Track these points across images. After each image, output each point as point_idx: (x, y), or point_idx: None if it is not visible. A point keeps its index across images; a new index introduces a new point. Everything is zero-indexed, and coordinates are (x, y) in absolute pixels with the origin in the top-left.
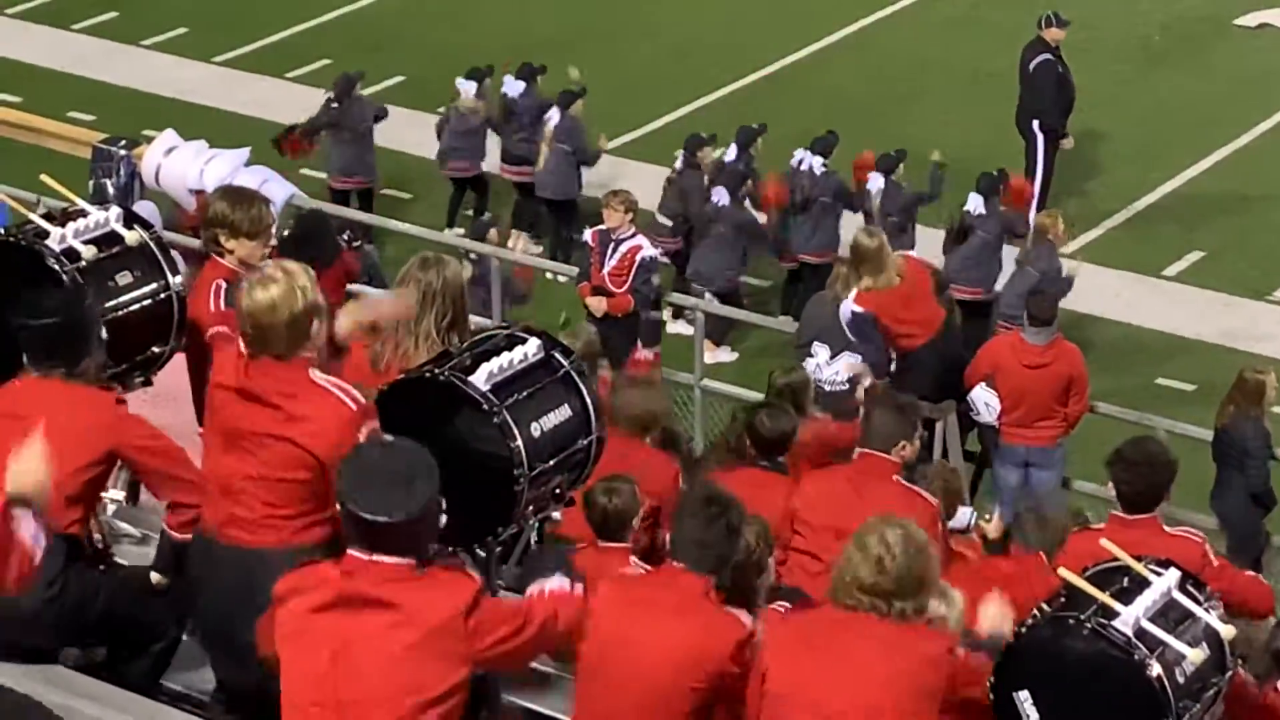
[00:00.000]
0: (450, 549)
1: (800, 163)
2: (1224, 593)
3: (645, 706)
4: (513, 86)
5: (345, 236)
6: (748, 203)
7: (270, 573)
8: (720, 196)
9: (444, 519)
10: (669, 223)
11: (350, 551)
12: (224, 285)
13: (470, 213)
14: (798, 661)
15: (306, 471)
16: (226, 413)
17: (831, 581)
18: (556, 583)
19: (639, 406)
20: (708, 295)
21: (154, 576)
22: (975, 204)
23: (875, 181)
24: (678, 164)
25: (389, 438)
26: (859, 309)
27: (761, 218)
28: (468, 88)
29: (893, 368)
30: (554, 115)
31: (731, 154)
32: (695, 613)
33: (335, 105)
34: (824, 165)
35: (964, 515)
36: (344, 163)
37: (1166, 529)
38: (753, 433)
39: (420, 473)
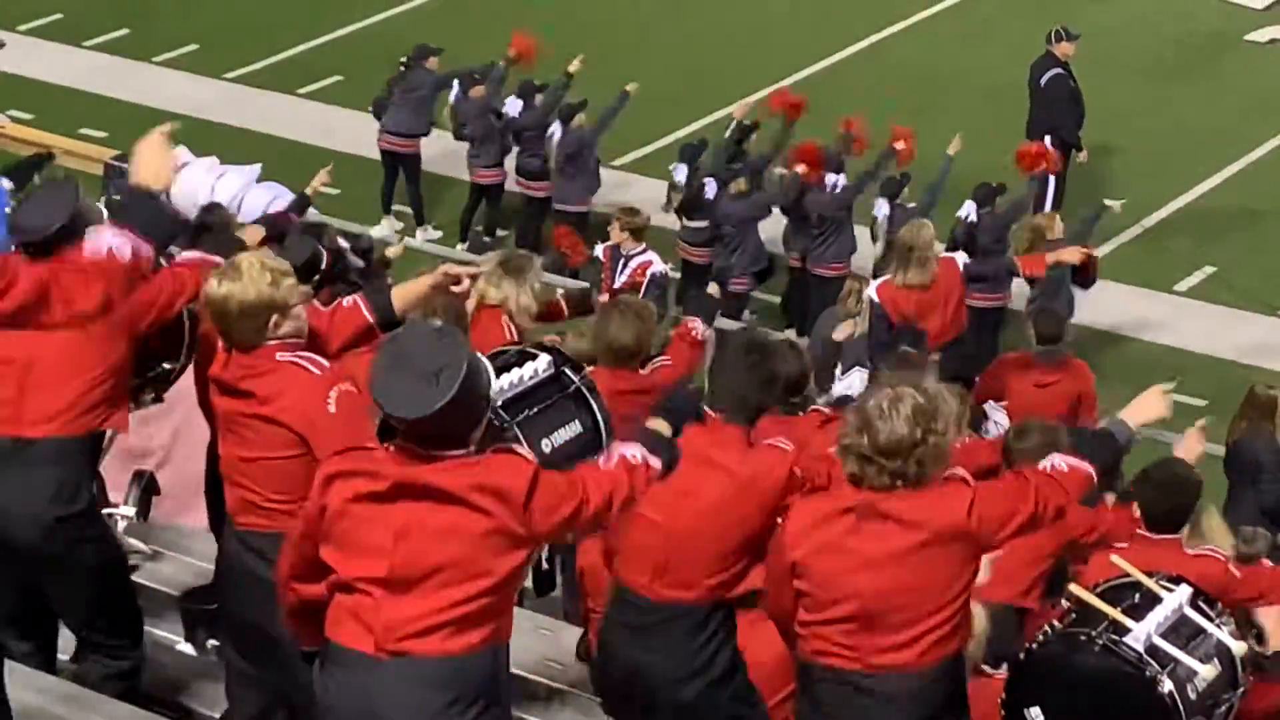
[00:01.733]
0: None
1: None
2: (1263, 595)
3: (701, 548)
4: (513, 105)
5: (349, 247)
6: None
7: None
8: (710, 189)
9: (492, 395)
10: (702, 225)
11: (401, 441)
12: None
13: (479, 228)
14: (827, 559)
15: (291, 449)
16: (215, 403)
17: (845, 461)
18: (630, 451)
19: (614, 336)
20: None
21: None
22: (968, 210)
23: (881, 208)
24: (678, 177)
25: (422, 325)
26: (875, 297)
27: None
28: (453, 92)
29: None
30: (556, 130)
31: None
32: (739, 454)
33: (403, 68)
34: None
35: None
36: (395, 122)
37: (1188, 549)
38: None
39: (448, 361)
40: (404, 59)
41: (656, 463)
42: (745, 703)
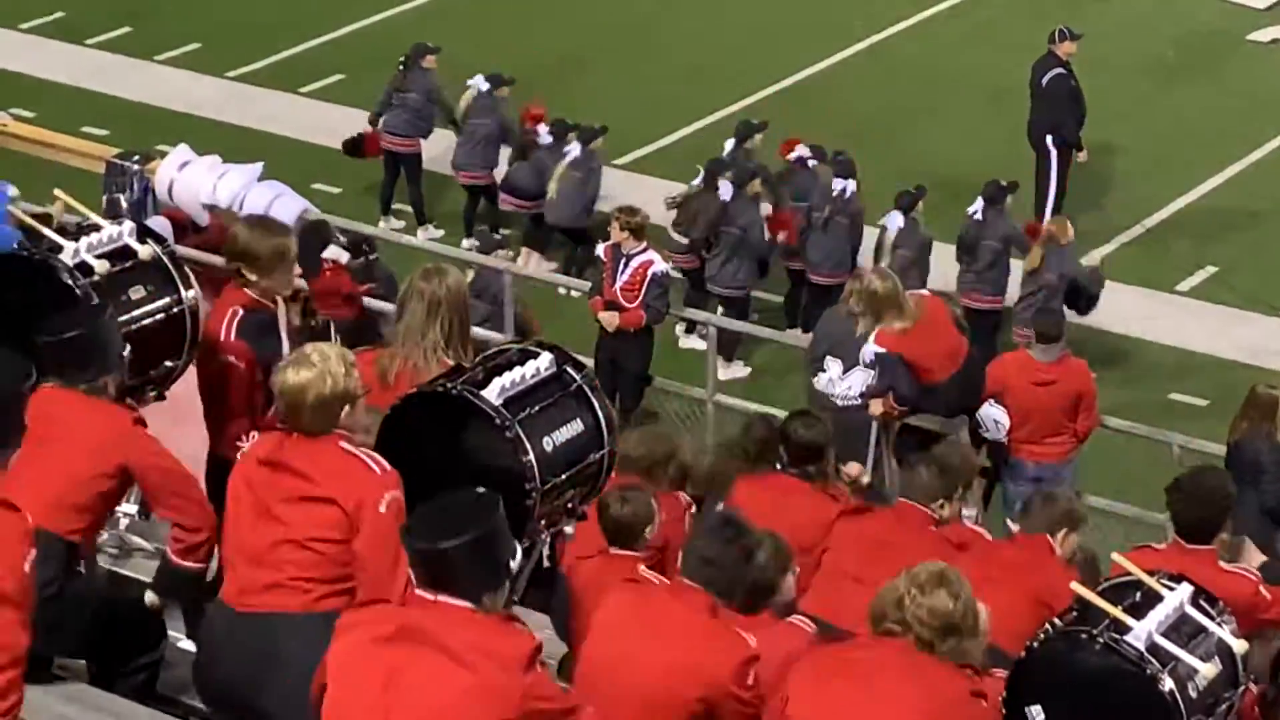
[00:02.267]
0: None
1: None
2: None
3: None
4: (544, 137)
5: (364, 248)
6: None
7: (290, 637)
8: (725, 190)
9: (512, 568)
10: (684, 240)
11: (416, 591)
12: (240, 312)
13: (484, 227)
14: (827, 688)
15: (333, 531)
16: (259, 483)
17: (875, 609)
18: None
19: (634, 448)
20: (720, 310)
21: (149, 597)
22: (977, 208)
23: (894, 220)
24: (697, 181)
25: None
26: (880, 349)
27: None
28: (480, 85)
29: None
30: (574, 148)
31: (729, 146)
32: (698, 630)
33: (400, 68)
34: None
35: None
36: (396, 123)
37: (1223, 564)
38: (785, 440)
39: (472, 515)
40: (402, 59)
41: None
42: None
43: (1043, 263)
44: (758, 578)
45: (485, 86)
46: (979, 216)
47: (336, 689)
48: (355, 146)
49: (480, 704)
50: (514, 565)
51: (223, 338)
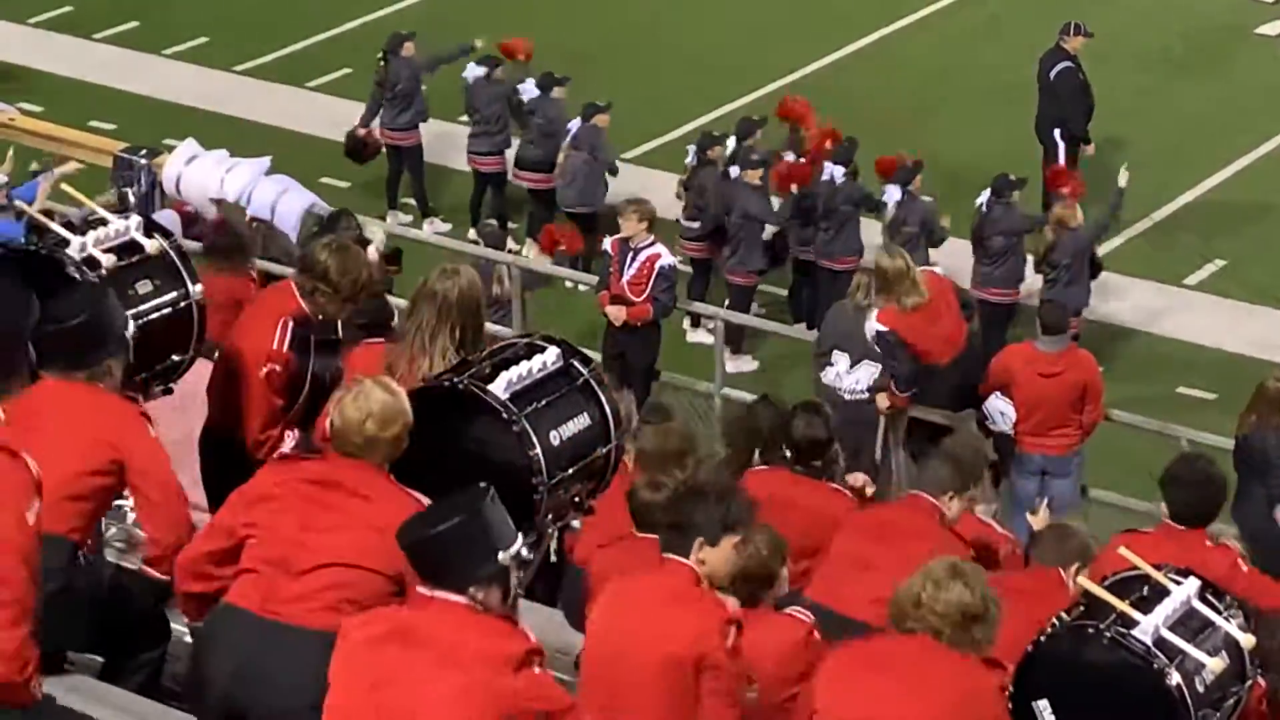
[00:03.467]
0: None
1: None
2: (1257, 597)
3: (636, 694)
4: (528, 91)
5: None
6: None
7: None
8: (733, 170)
9: (503, 560)
10: (695, 225)
11: (416, 588)
12: (292, 323)
13: (491, 221)
14: (855, 684)
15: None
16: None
17: (894, 611)
18: None
19: (646, 441)
20: (726, 304)
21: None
22: (983, 199)
23: (891, 194)
24: (689, 160)
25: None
26: (882, 328)
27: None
28: (476, 71)
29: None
30: (574, 125)
31: (731, 145)
32: (682, 602)
33: (382, 62)
34: (845, 174)
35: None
36: (391, 117)
37: (1208, 543)
38: (789, 437)
39: (457, 508)
40: (381, 53)
41: None
42: None
43: (1055, 247)
44: (754, 568)
45: (479, 73)
46: (985, 209)
47: (332, 689)
48: (357, 152)
49: (466, 705)
50: (507, 557)
51: (274, 345)
